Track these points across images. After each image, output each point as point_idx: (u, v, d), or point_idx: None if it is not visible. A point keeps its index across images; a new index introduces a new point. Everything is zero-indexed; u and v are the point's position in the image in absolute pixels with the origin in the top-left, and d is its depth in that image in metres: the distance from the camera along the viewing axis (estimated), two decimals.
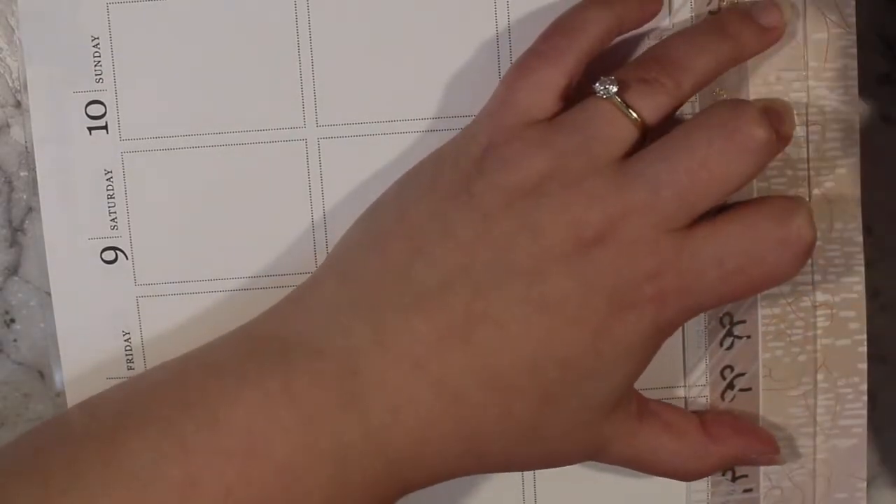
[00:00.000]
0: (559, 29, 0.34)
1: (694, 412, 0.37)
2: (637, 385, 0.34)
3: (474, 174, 0.33)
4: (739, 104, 0.33)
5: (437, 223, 0.33)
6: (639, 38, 0.37)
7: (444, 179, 0.33)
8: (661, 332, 0.33)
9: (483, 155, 0.33)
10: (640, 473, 0.36)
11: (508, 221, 0.32)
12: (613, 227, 0.32)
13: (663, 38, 0.36)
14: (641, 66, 0.34)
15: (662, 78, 0.33)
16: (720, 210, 0.33)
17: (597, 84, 0.33)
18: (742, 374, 0.38)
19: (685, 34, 0.35)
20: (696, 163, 0.32)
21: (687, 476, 0.36)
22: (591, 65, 0.35)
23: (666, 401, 0.37)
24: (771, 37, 0.35)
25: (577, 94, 0.34)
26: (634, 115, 0.33)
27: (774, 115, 0.35)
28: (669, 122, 0.34)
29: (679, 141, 0.32)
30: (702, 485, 0.39)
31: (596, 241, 0.32)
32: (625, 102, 0.33)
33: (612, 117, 0.33)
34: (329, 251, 0.37)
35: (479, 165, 0.33)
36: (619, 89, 0.33)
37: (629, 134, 0.33)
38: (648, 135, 0.33)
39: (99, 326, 0.38)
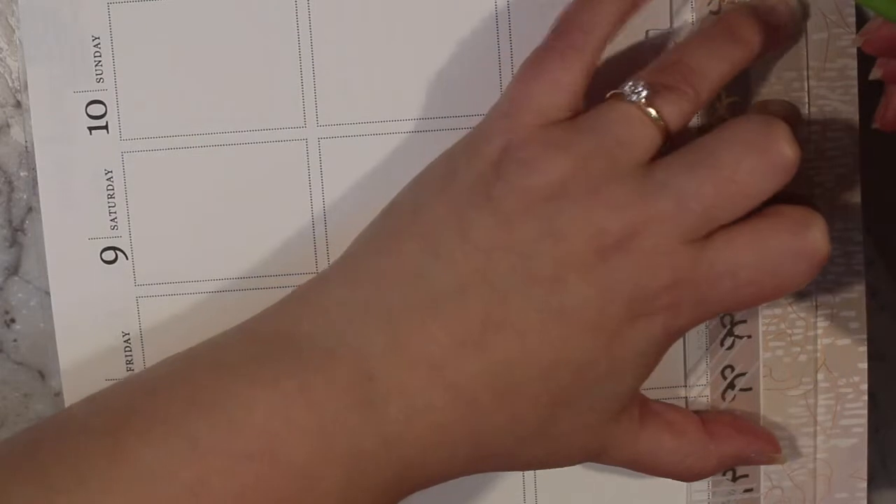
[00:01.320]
0: (573, 24, 0.34)
1: (695, 412, 0.37)
2: None
3: (492, 177, 0.32)
4: (770, 121, 0.32)
5: (453, 225, 0.32)
6: (638, 39, 0.37)
7: (458, 180, 0.33)
8: (671, 337, 0.33)
9: (501, 157, 0.32)
10: (641, 474, 0.36)
11: (528, 227, 0.32)
12: (634, 236, 0.31)
13: (663, 38, 0.36)
14: (662, 72, 0.33)
15: (684, 85, 0.33)
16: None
17: (626, 87, 0.33)
18: (743, 374, 0.38)
19: (698, 40, 0.34)
20: (724, 178, 0.31)
21: (688, 476, 0.35)
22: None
23: (667, 401, 0.37)
24: (782, 34, 0.35)
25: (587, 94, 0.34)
26: (661, 120, 0.32)
27: (787, 122, 0.34)
28: (685, 131, 0.33)
29: (706, 153, 0.32)
30: (702, 485, 0.39)
31: (616, 248, 0.31)
32: (651, 107, 0.32)
33: (638, 121, 0.32)
34: (329, 251, 0.37)
35: (496, 168, 0.32)
36: (648, 93, 0.32)
37: (654, 140, 0.32)
38: (668, 142, 0.33)
39: (98, 326, 0.37)
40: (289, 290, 0.35)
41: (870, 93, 0.37)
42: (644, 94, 0.32)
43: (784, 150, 0.32)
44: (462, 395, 0.32)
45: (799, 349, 0.38)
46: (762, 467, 0.39)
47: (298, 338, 0.32)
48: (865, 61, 0.37)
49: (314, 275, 0.35)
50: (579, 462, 0.35)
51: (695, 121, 0.37)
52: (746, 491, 0.39)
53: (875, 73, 0.33)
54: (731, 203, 0.32)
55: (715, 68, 0.33)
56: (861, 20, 0.36)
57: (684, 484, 0.39)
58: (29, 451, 0.31)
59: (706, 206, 0.31)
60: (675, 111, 0.32)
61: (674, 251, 0.32)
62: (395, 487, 0.32)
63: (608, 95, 0.33)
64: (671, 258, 0.32)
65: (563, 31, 0.34)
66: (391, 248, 0.33)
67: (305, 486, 0.31)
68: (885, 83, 0.33)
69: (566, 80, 0.33)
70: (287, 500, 0.31)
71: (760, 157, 0.32)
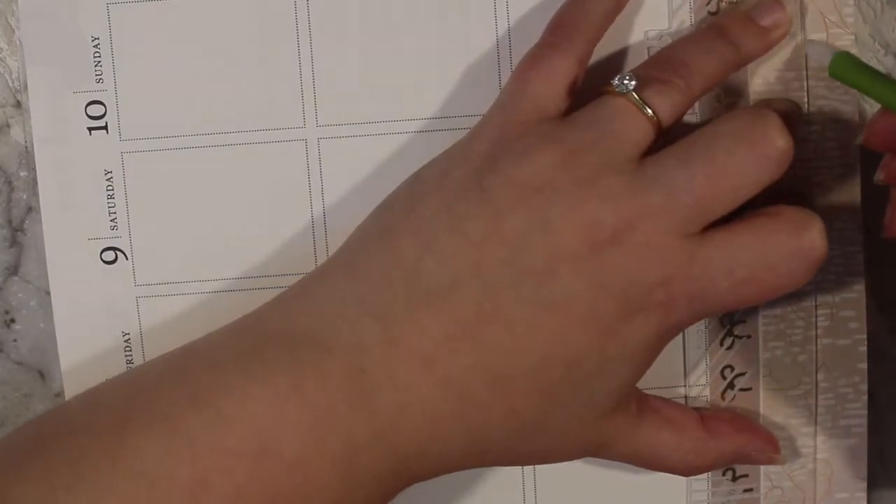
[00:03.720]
0: (565, 20, 0.34)
1: (694, 408, 0.37)
2: (638, 384, 0.34)
3: (486, 168, 0.33)
4: (761, 112, 0.32)
5: (446, 218, 0.32)
6: (637, 39, 0.37)
7: (453, 174, 0.33)
8: (667, 335, 0.33)
9: (495, 149, 0.33)
10: (641, 471, 0.36)
11: (520, 218, 0.32)
12: (627, 230, 0.31)
13: (662, 39, 0.36)
14: (653, 67, 0.34)
15: (675, 78, 0.33)
16: (732, 215, 0.33)
17: (615, 80, 0.33)
18: (742, 374, 0.38)
19: (690, 39, 0.35)
20: (716, 170, 0.32)
21: (686, 471, 0.36)
22: (589, 72, 0.35)
23: None
24: (774, 35, 0.35)
25: (581, 97, 0.34)
26: (651, 112, 0.32)
27: (786, 119, 0.34)
28: (679, 126, 0.33)
29: (699, 146, 0.32)
30: (702, 484, 0.39)
31: (609, 242, 0.31)
32: (641, 99, 0.33)
33: (629, 114, 0.32)
34: (329, 251, 0.37)
35: (490, 160, 0.33)
36: (636, 85, 0.33)
37: (645, 132, 0.32)
38: (661, 137, 0.33)
39: (98, 326, 0.38)
40: None
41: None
42: (632, 84, 0.33)
43: (776, 141, 0.32)
44: (454, 387, 0.32)
45: (798, 349, 0.38)
46: (762, 467, 0.38)
47: (294, 333, 0.33)
48: (864, 61, 0.37)
49: None
50: (579, 457, 0.35)
51: (695, 122, 0.37)
52: (746, 491, 0.39)
53: (878, 177, 0.33)
54: (724, 195, 0.32)
55: (706, 64, 0.34)
56: (860, 20, 0.36)
57: (684, 483, 0.39)
58: (31, 448, 0.31)
59: (699, 199, 0.32)
60: (667, 103, 0.33)
61: (667, 245, 0.32)
62: (391, 481, 0.33)
63: (601, 91, 0.33)
64: (665, 252, 0.32)
65: (556, 27, 0.35)
66: (386, 243, 0.33)
67: (301, 481, 0.31)
68: (891, 187, 0.33)
69: (561, 70, 0.34)
70: (284, 495, 0.31)
71: (752, 148, 0.32)
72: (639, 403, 0.35)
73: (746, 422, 0.37)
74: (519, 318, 0.32)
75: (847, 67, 0.33)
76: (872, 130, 0.33)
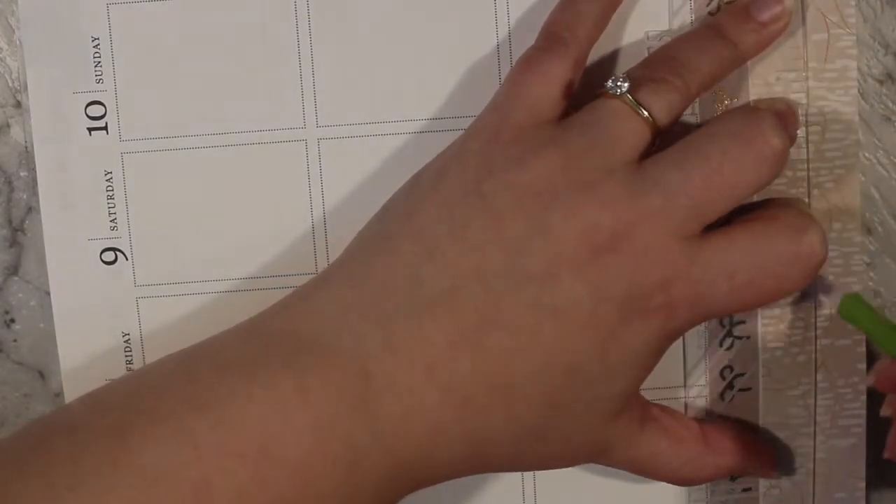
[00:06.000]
0: (559, 23, 0.34)
1: (697, 420, 0.37)
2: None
3: (483, 173, 0.33)
4: (756, 112, 0.32)
5: (445, 224, 0.32)
6: (637, 39, 0.37)
7: (449, 178, 0.33)
8: (668, 339, 0.33)
9: (491, 152, 0.33)
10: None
11: (520, 223, 0.32)
12: (626, 233, 0.31)
13: (662, 40, 0.36)
14: (649, 67, 0.34)
15: (670, 78, 0.33)
16: (731, 218, 0.33)
17: (608, 82, 0.33)
18: (742, 375, 0.38)
19: (686, 38, 0.35)
20: (712, 170, 0.32)
21: (683, 482, 0.36)
22: (589, 74, 0.35)
23: (666, 401, 0.37)
24: (773, 29, 0.35)
25: (579, 99, 0.34)
26: (646, 113, 0.32)
27: (784, 119, 0.34)
28: (677, 126, 0.33)
29: (694, 147, 0.32)
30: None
31: (609, 246, 0.31)
32: (636, 101, 0.33)
33: (624, 116, 0.32)
34: (328, 252, 0.37)
35: (487, 163, 0.33)
36: (630, 86, 0.33)
37: (641, 134, 0.32)
38: (659, 137, 0.33)
39: (98, 327, 0.38)
40: (289, 291, 0.35)
41: (869, 93, 0.37)
42: (626, 86, 0.33)
43: (771, 140, 0.32)
44: (456, 395, 0.32)
45: (798, 349, 0.38)
46: None
47: (297, 337, 0.32)
48: (865, 61, 0.37)
49: (314, 275, 0.35)
50: (580, 463, 0.35)
51: (694, 123, 0.37)
52: (745, 490, 0.39)
53: (884, 412, 0.34)
54: (720, 195, 0.32)
55: (703, 63, 0.33)
56: (861, 20, 0.36)
57: None
58: (33, 448, 0.31)
59: (695, 200, 0.32)
60: (662, 103, 0.33)
61: (666, 247, 0.32)
62: (393, 486, 0.33)
63: (596, 94, 0.33)
64: (664, 254, 0.32)
65: (549, 30, 0.34)
66: (387, 249, 0.33)
67: (303, 484, 0.31)
68: (894, 418, 0.34)
69: (557, 73, 0.33)
70: (285, 497, 0.31)
71: (747, 147, 0.32)
72: (641, 411, 0.35)
73: (748, 439, 0.37)
74: (520, 323, 0.32)
75: (855, 311, 0.33)
76: (881, 376, 0.33)
